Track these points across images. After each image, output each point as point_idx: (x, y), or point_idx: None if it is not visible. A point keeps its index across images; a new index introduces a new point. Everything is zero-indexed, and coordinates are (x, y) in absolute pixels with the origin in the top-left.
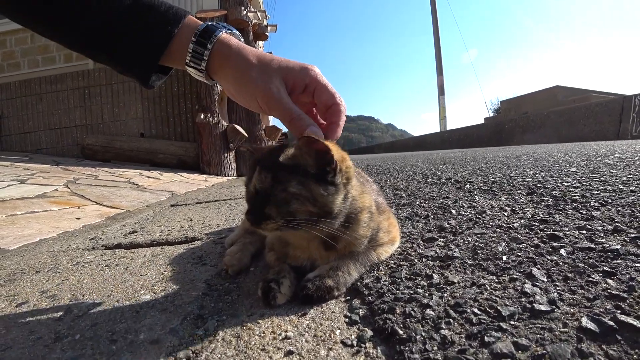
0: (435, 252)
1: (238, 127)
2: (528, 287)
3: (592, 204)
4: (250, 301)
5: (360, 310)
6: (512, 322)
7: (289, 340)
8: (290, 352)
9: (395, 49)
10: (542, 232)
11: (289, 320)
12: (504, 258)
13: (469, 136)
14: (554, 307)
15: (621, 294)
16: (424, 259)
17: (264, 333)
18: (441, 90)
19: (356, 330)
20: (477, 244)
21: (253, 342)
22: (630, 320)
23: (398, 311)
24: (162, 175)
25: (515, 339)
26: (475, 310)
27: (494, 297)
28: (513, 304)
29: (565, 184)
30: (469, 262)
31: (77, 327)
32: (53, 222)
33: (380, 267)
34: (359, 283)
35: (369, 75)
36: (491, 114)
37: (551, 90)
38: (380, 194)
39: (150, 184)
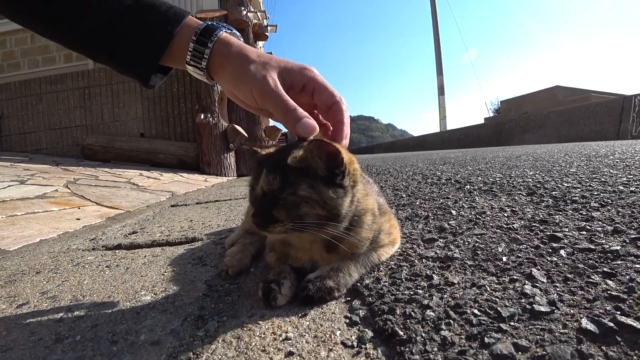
0: (436, 253)
1: (238, 127)
2: (528, 288)
3: (592, 205)
4: (250, 302)
5: (361, 311)
6: (512, 323)
7: (290, 341)
8: (290, 353)
9: (395, 49)
10: (542, 233)
11: (290, 321)
12: (504, 259)
13: (469, 136)
14: (554, 308)
15: (621, 295)
16: (424, 260)
17: (264, 334)
18: (441, 90)
19: (356, 331)
20: (477, 244)
21: (253, 343)
22: (630, 321)
23: (398, 312)
24: (162, 175)
25: (515, 340)
26: (475, 311)
27: (494, 298)
28: (513, 305)
29: (565, 184)
30: (469, 262)
31: (78, 328)
32: (53, 222)
33: (381, 268)
34: (359, 284)
35: (369, 75)
36: (491, 114)
37: (551, 90)
38: (381, 194)
39: (150, 184)
